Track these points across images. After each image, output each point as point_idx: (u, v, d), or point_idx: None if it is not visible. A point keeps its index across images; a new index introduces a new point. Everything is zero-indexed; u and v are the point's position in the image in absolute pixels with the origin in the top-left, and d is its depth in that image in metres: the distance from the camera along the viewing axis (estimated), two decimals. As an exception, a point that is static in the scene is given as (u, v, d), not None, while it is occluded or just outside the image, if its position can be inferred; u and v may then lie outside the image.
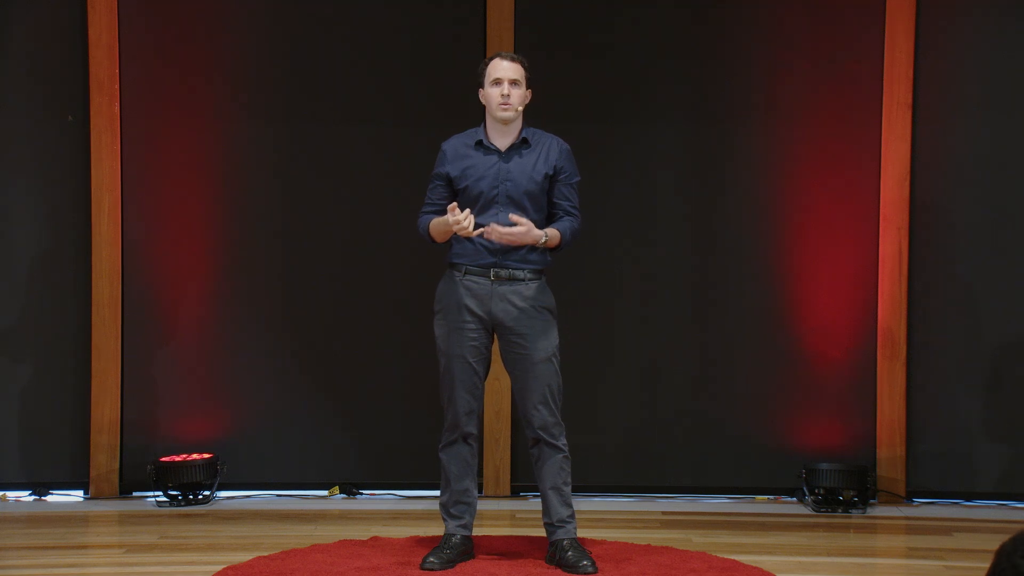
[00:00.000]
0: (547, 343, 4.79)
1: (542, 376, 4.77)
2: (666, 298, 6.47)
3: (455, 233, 4.71)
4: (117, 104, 6.33)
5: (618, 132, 6.42)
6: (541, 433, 4.78)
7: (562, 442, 4.82)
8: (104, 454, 6.33)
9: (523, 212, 4.76)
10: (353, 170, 6.47)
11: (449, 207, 4.65)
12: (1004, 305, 6.30)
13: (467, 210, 4.67)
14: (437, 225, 4.78)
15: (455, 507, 4.86)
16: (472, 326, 4.78)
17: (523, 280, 4.78)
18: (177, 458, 6.25)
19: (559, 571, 4.73)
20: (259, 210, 6.47)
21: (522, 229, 4.64)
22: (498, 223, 4.69)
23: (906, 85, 6.26)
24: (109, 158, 6.32)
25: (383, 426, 6.47)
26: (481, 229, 4.66)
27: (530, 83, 4.84)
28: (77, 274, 6.38)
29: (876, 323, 6.31)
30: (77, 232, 6.37)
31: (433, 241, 4.86)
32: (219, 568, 4.79)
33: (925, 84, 6.29)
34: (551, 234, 4.73)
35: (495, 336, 4.85)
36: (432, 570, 4.73)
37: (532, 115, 4.92)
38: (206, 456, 6.27)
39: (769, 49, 6.40)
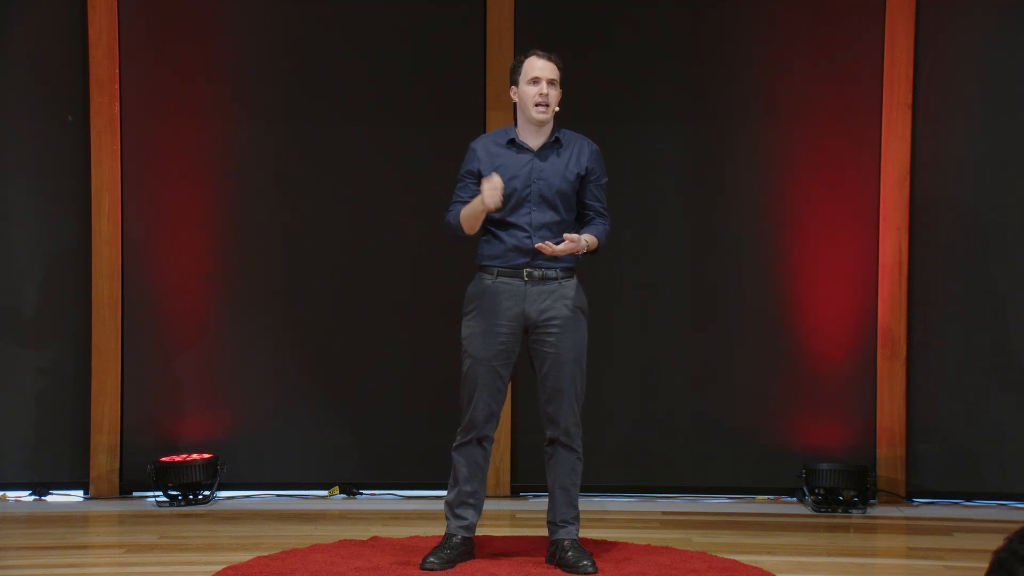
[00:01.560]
0: (578, 343, 4.78)
1: (571, 376, 4.77)
2: (666, 298, 6.47)
3: (487, 214, 4.68)
4: (117, 104, 6.33)
5: (618, 132, 6.42)
6: (562, 434, 4.78)
7: (577, 444, 4.82)
8: (104, 454, 6.33)
9: (555, 211, 4.75)
10: (353, 170, 6.47)
11: (484, 180, 4.59)
12: (1005, 304, 6.30)
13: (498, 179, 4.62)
14: (468, 211, 4.69)
15: (460, 507, 4.85)
16: (504, 330, 4.74)
17: (556, 279, 4.76)
18: (177, 458, 6.25)
19: (559, 571, 4.72)
20: (259, 210, 6.47)
21: (572, 246, 4.63)
22: (532, 222, 4.70)
23: (906, 85, 6.26)
24: (109, 158, 6.32)
25: (383, 426, 6.46)
26: (539, 245, 4.63)
27: (561, 83, 4.81)
28: (77, 274, 6.38)
29: (876, 323, 6.31)
30: (77, 232, 6.38)
31: (462, 233, 4.75)
32: (219, 568, 4.79)
33: (925, 84, 6.29)
34: (590, 241, 4.73)
35: (524, 336, 4.82)
36: (432, 570, 4.72)
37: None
38: (206, 456, 6.27)
39: (769, 49, 6.41)
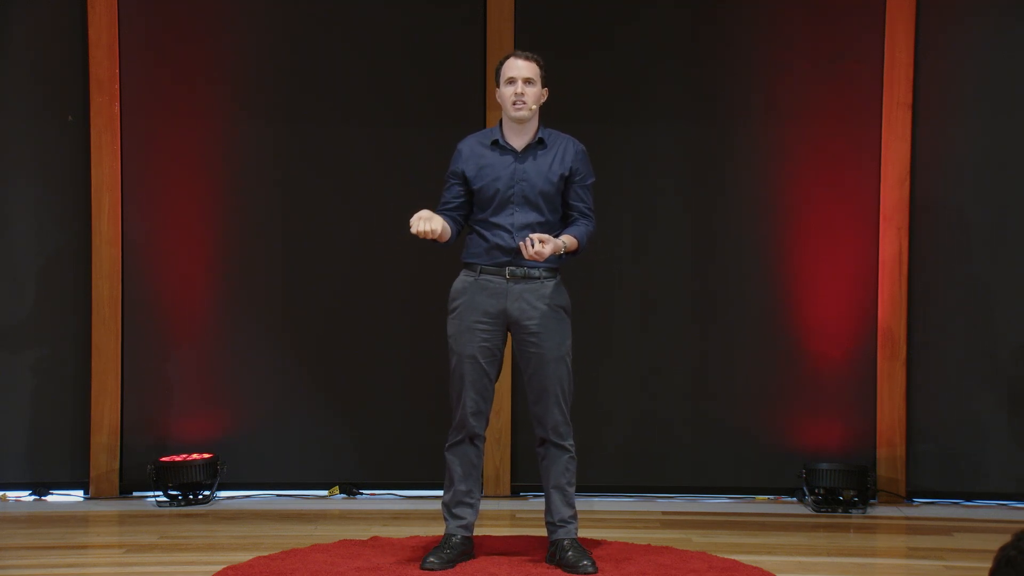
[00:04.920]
0: (561, 342, 4.78)
1: (554, 375, 4.76)
2: (666, 298, 6.47)
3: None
4: (117, 104, 6.33)
5: (618, 132, 6.42)
6: (550, 433, 4.78)
7: (569, 443, 4.81)
8: (104, 454, 6.33)
9: (538, 212, 4.76)
10: (353, 170, 6.47)
11: (416, 219, 4.62)
12: (1004, 305, 6.30)
13: (420, 220, 4.63)
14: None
15: (457, 507, 4.85)
16: (485, 326, 4.77)
17: (538, 279, 4.78)
18: (177, 458, 6.25)
19: (559, 571, 4.73)
20: (259, 210, 6.47)
21: (548, 248, 4.62)
22: (514, 223, 4.72)
23: (906, 85, 6.27)
24: (109, 158, 6.32)
25: (383, 426, 6.47)
26: (522, 244, 4.63)
27: (545, 81, 4.83)
28: (77, 274, 6.38)
29: (876, 323, 6.31)
30: (77, 232, 6.38)
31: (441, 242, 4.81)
32: (219, 568, 4.79)
33: (925, 84, 6.30)
34: (568, 242, 4.73)
35: (508, 336, 4.84)
36: (432, 570, 4.72)
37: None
38: (206, 456, 6.27)
39: (769, 49, 6.41)
